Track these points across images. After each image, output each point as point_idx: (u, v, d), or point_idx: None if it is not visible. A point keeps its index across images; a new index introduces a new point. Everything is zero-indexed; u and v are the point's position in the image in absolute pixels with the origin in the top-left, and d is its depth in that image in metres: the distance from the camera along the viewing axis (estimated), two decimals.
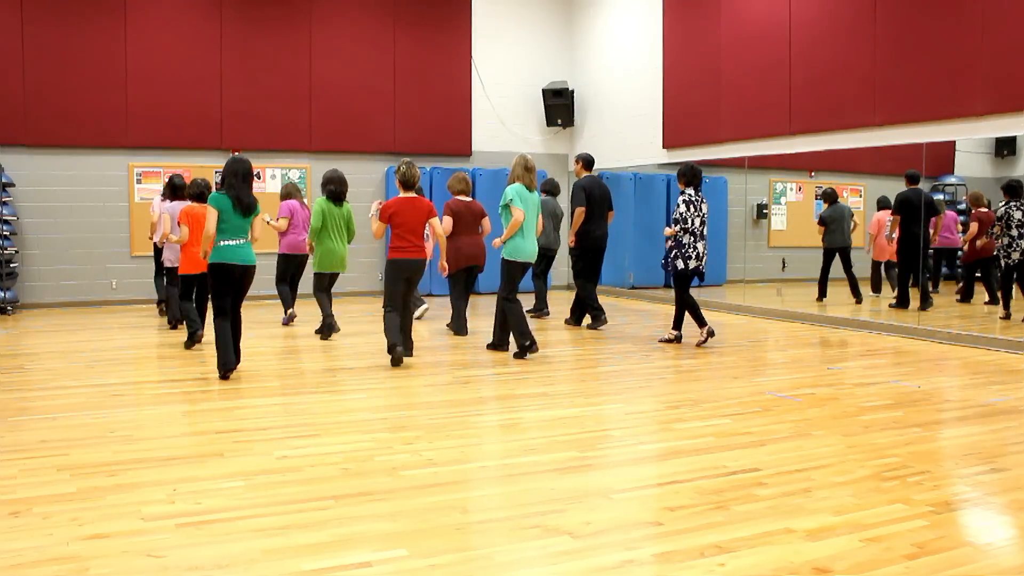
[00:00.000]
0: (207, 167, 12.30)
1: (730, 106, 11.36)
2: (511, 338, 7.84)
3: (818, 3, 10.12)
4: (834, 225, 11.27)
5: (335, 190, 8.73)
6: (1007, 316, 9.49)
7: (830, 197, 11.37)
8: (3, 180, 10.81)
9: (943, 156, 10.68)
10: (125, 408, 5.64)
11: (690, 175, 8.21)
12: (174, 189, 9.19)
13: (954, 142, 10.10)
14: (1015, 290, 9.71)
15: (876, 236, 11.39)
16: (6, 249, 10.69)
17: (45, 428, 5.08)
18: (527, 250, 7.68)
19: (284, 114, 12.63)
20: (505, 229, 7.66)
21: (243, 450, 4.61)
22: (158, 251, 9.84)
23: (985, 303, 10.73)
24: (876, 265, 11.68)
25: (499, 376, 6.83)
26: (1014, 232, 9.36)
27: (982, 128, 8.58)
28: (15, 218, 11.08)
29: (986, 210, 10.42)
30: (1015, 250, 9.35)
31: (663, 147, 12.62)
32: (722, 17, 11.45)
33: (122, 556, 3.16)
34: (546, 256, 10.11)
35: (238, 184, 6.62)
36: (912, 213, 10.05)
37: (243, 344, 8.49)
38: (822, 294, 11.32)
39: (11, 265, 10.83)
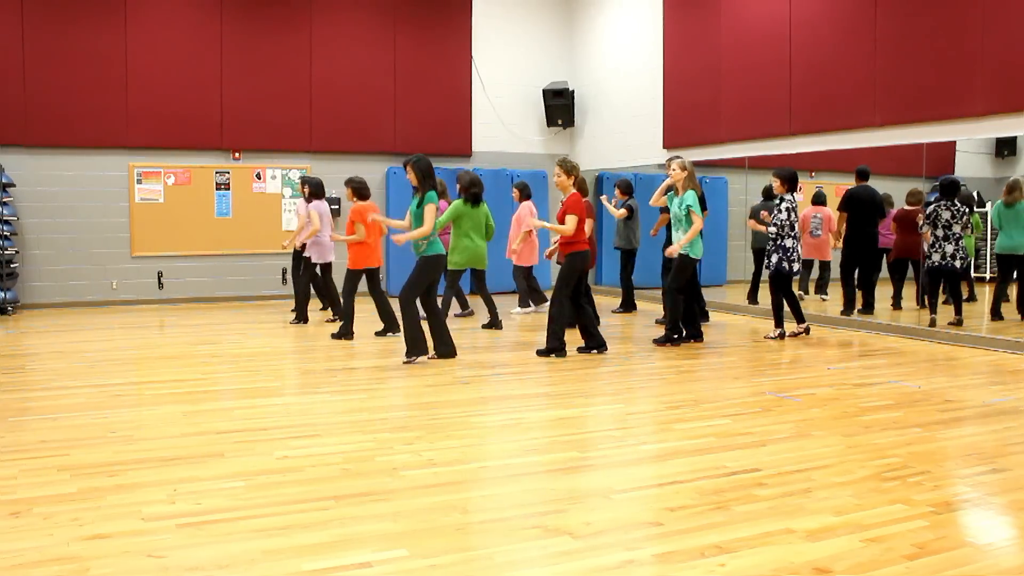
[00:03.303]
0: (207, 167, 12.32)
1: (730, 106, 11.36)
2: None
3: (818, 3, 10.12)
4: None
5: (478, 193, 9.18)
6: (932, 323, 9.01)
7: (768, 194, 11.33)
8: (3, 180, 10.81)
9: (943, 156, 10.66)
10: (126, 408, 5.64)
11: (794, 180, 8.57)
12: (318, 189, 10.00)
13: (954, 142, 10.09)
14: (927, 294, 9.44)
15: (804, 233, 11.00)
16: (6, 249, 10.70)
17: (46, 428, 5.08)
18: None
19: (284, 114, 12.63)
20: (687, 233, 8.08)
21: (244, 450, 4.61)
22: (299, 250, 10.24)
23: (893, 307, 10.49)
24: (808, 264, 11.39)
25: (500, 376, 6.83)
26: (939, 232, 8.98)
27: (982, 128, 8.57)
28: (15, 218, 11.08)
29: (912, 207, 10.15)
30: (936, 251, 8.96)
31: (663, 147, 12.61)
32: (722, 17, 11.45)
33: (123, 556, 3.16)
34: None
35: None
36: (859, 210, 9.82)
37: (247, 344, 8.52)
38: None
39: (11, 265, 10.83)
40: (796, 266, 8.63)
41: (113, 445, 4.70)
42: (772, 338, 8.83)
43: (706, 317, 9.80)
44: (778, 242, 8.56)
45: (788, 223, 8.52)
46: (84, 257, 11.80)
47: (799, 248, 8.67)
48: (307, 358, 7.87)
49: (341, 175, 11.42)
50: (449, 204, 9.94)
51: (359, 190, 8.87)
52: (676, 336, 8.38)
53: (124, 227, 11.99)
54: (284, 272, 12.71)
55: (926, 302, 9.39)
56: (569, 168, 7.73)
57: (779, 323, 8.86)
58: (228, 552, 3.20)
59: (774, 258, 8.61)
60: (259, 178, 12.61)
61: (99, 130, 11.74)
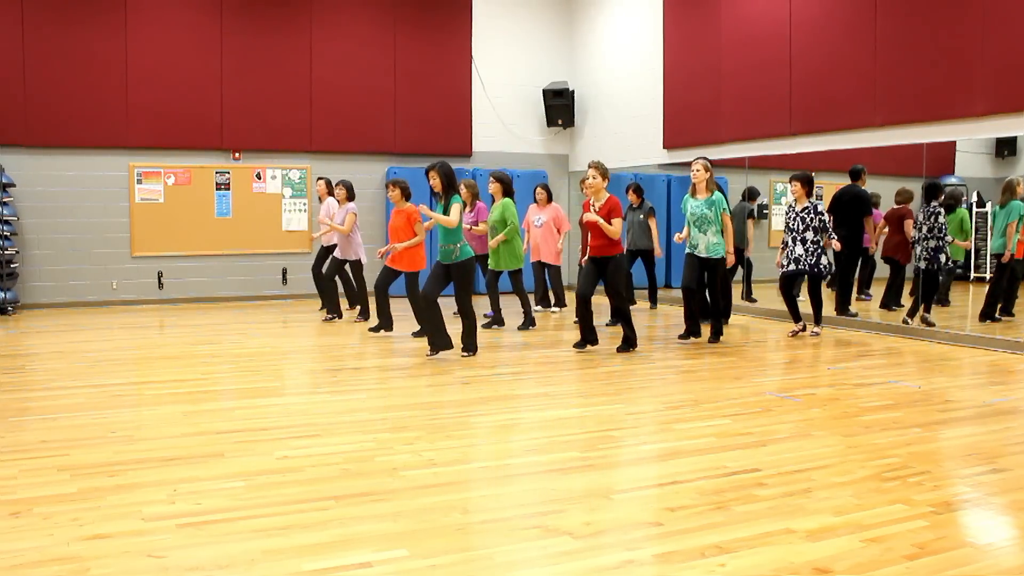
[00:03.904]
0: (207, 167, 12.32)
1: (731, 106, 11.36)
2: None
3: (818, 3, 10.12)
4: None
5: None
6: (926, 321, 9.09)
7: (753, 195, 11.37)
8: (3, 180, 10.81)
9: (943, 156, 10.66)
10: (126, 408, 5.64)
11: (810, 182, 8.83)
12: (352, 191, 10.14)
13: (954, 142, 10.08)
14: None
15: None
16: (6, 249, 10.69)
17: (46, 428, 5.08)
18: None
19: (284, 114, 12.63)
20: (728, 238, 8.42)
21: (244, 450, 4.61)
22: (327, 248, 10.40)
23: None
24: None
25: (500, 376, 6.83)
26: (914, 233, 9.23)
27: (982, 128, 8.57)
28: (15, 218, 11.08)
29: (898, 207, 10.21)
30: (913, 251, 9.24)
31: (664, 147, 12.62)
32: (722, 17, 11.45)
33: (123, 556, 3.16)
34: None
35: None
36: (840, 211, 9.82)
37: (247, 344, 8.53)
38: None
39: (11, 265, 10.83)
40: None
41: (113, 445, 4.71)
42: (809, 334, 9.03)
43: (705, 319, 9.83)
44: (820, 243, 8.71)
45: (824, 226, 8.73)
46: (84, 257, 11.80)
47: (795, 249, 8.84)
48: (307, 358, 7.88)
49: (341, 175, 11.42)
50: (483, 205, 10.06)
51: (407, 190, 8.70)
52: (720, 329, 8.67)
53: (124, 227, 11.99)
54: (284, 272, 12.71)
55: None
56: (604, 170, 7.87)
57: (818, 320, 9.07)
58: (228, 552, 3.20)
59: (824, 260, 8.74)
60: (259, 178, 12.61)
61: (99, 130, 11.73)
